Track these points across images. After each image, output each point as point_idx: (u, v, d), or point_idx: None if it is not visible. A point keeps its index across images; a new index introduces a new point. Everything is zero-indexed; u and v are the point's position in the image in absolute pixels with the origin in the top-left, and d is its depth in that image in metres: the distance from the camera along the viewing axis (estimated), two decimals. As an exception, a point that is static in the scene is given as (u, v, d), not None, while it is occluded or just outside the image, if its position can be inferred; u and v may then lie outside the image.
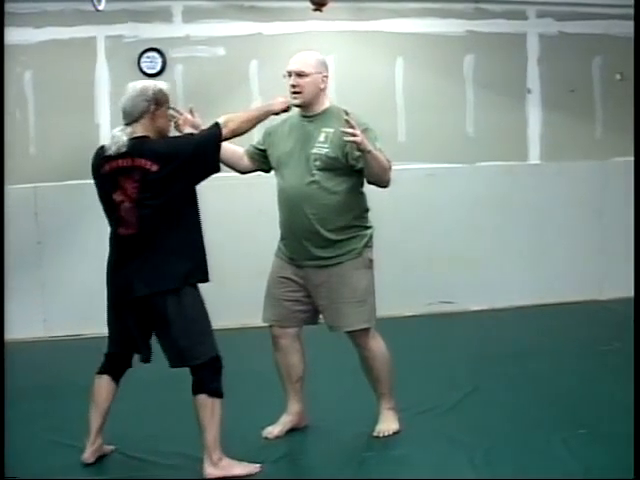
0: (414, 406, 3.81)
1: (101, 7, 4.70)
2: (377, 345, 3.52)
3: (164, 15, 5.63)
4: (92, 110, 5.57)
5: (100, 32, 5.54)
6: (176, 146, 3.10)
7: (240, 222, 5.64)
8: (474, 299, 5.92)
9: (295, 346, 3.58)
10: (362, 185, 3.45)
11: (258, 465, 3.21)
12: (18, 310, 5.24)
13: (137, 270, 3.09)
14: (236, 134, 3.21)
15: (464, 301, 5.91)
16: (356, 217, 3.44)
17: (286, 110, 3.43)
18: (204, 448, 3.12)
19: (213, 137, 3.13)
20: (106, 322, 3.30)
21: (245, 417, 3.78)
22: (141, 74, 5.55)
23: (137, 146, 3.05)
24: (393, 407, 3.59)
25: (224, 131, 3.14)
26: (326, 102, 3.47)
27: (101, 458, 3.32)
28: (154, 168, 3.00)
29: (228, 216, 5.58)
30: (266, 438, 3.54)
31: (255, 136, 3.64)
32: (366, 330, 3.47)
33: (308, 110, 3.44)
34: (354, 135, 3.13)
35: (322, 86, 3.42)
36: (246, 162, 3.62)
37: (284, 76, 3.43)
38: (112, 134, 3.11)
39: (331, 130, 3.36)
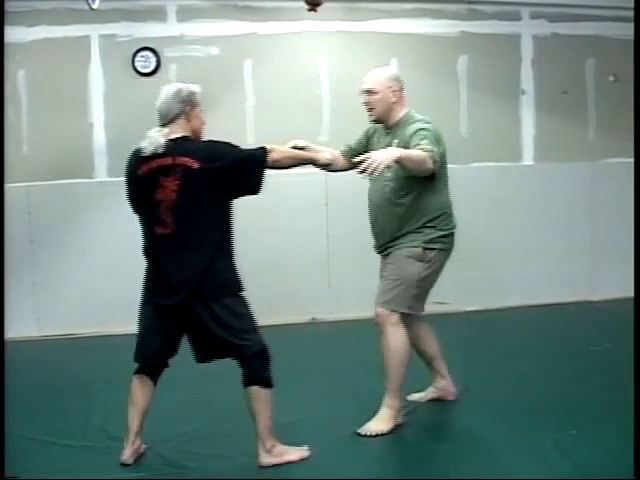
0: (405, 406, 3.80)
1: (95, 6, 4.70)
2: (394, 335, 3.57)
3: (158, 14, 5.63)
4: (85, 109, 5.56)
5: (94, 31, 5.54)
6: (219, 149, 3.14)
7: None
8: (467, 300, 5.93)
9: (416, 331, 3.81)
10: (434, 189, 3.57)
11: (307, 448, 3.28)
12: (11, 309, 5.21)
13: (178, 272, 3.09)
14: (276, 166, 3.22)
15: (457, 302, 5.92)
16: (424, 224, 3.60)
17: (326, 167, 3.55)
18: (257, 437, 3.18)
19: (258, 157, 3.16)
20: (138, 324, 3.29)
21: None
22: (135, 73, 5.56)
23: (179, 145, 3.09)
24: (392, 406, 3.60)
25: (268, 157, 3.16)
26: (401, 112, 3.63)
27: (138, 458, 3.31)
28: (196, 165, 3.05)
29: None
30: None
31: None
32: (388, 312, 3.55)
33: (385, 123, 3.66)
34: (367, 170, 3.18)
35: (393, 100, 3.60)
36: (342, 161, 3.80)
37: (360, 94, 3.63)
38: (148, 135, 3.13)
39: (397, 140, 3.53)
